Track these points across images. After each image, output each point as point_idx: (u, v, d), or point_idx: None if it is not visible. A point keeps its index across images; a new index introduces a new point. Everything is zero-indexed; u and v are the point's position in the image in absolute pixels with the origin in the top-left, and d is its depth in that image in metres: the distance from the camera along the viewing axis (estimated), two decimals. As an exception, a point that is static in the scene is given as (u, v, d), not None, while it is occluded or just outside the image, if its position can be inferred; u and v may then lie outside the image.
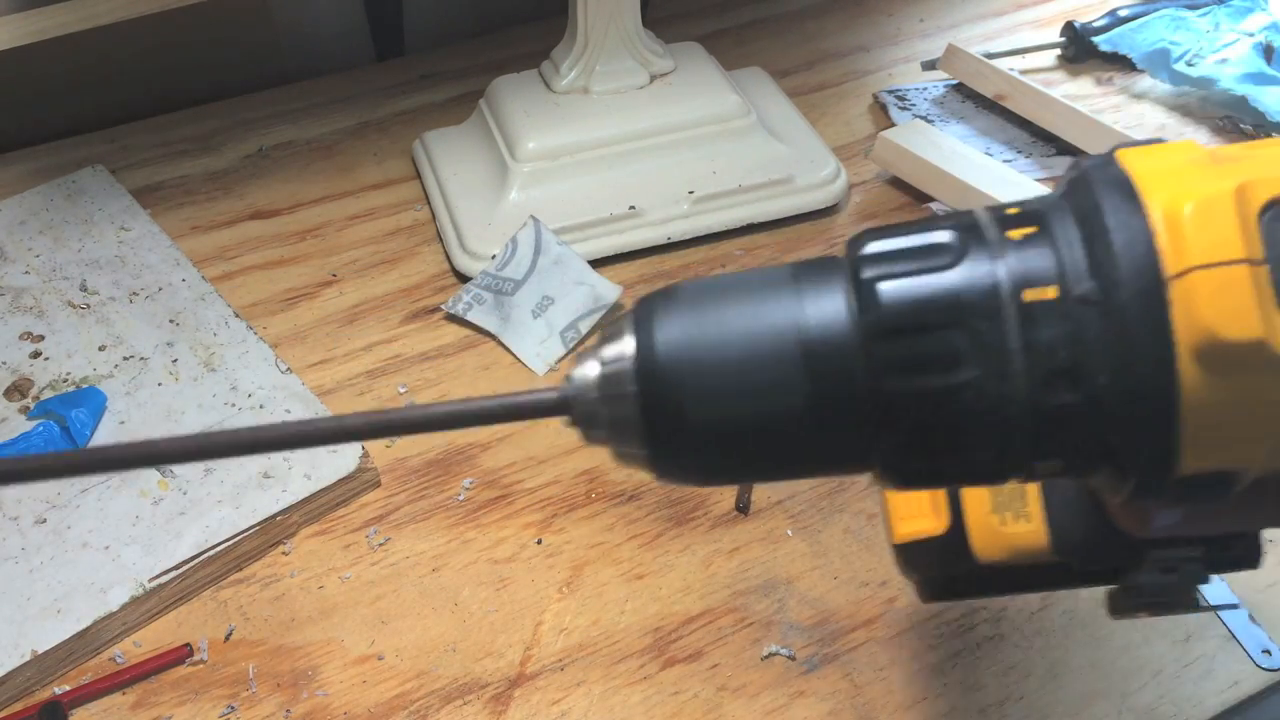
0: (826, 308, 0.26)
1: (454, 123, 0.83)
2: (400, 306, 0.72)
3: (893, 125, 0.86)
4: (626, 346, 0.27)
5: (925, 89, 0.90)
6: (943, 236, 0.26)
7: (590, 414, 0.27)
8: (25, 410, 0.63)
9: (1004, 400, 0.25)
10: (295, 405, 0.63)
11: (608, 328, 0.28)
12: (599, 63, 0.77)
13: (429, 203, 0.79)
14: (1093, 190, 0.25)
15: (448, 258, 0.75)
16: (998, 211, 0.27)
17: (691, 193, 0.76)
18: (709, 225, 0.76)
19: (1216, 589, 0.57)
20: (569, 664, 0.55)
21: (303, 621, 0.56)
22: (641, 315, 0.27)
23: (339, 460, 0.61)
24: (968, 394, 0.25)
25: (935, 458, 0.26)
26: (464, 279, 0.73)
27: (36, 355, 0.66)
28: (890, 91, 0.90)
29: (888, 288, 0.25)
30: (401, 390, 0.67)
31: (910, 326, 0.25)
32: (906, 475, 0.27)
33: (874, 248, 0.26)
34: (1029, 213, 0.27)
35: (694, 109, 0.77)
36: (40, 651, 0.52)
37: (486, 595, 0.57)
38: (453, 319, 0.71)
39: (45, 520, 0.58)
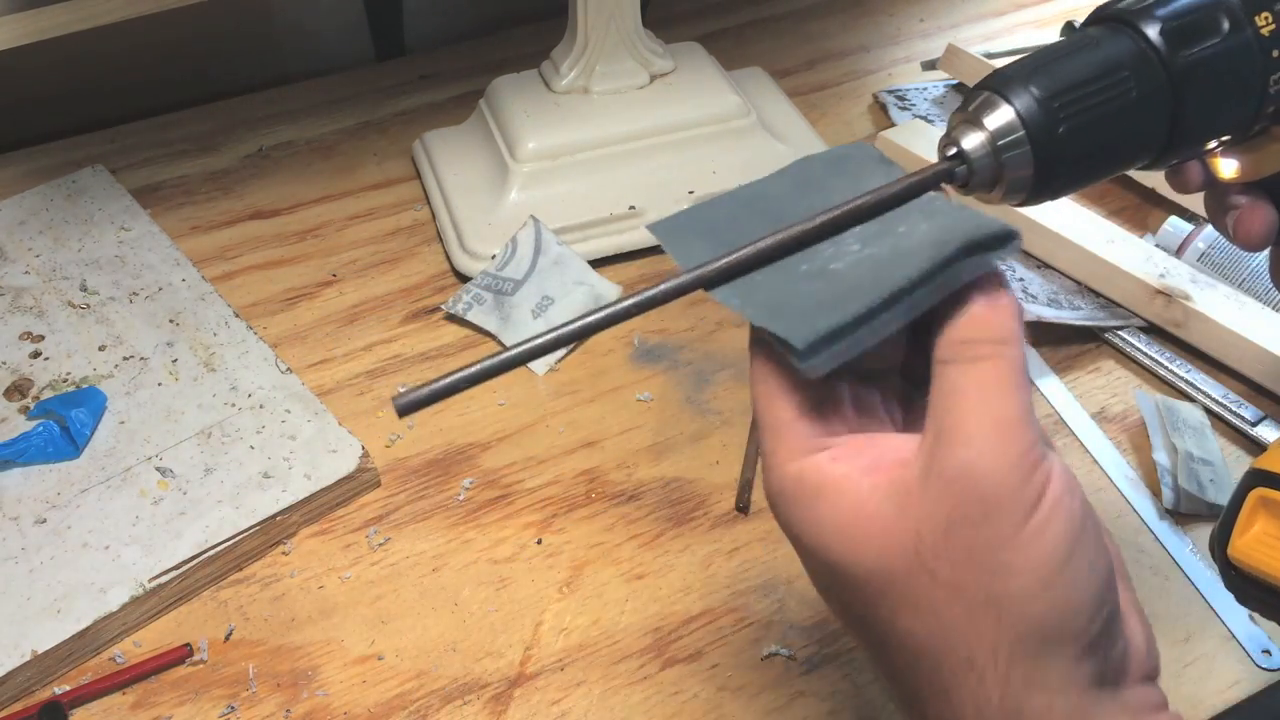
0: (1140, 61, 0.37)
1: (454, 123, 0.83)
2: (400, 306, 0.72)
3: (893, 125, 0.86)
4: (1006, 115, 0.36)
5: (925, 89, 0.90)
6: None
7: (985, 166, 0.36)
8: (25, 410, 0.63)
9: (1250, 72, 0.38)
10: (295, 405, 0.63)
11: (966, 111, 0.37)
12: (599, 63, 0.77)
13: (429, 203, 0.79)
14: None
15: (448, 258, 0.75)
16: None
17: (691, 193, 0.76)
18: (709, 225, 0.76)
19: (1212, 585, 0.57)
20: (569, 664, 0.55)
21: (303, 621, 0.56)
22: (998, 89, 0.36)
23: (339, 460, 0.61)
24: (1227, 56, 0.38)
25: (1211, 110, 0.38)
26: (464, 279, 0.73)
27: (36, 355, 0.66)
28: (890, 91, 0.90)
29: (1174, 41, 0.37)
30: (401, 390, 0.67)
31: (1191, 30, 0.37)
32: (1192, 134, 0.38)
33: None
34: None
35: (694, 109, 0.77)
36: (40, 651, 0.52)
37: (486, 595, 0.57)
38: (453, 319, 0.71)
39: (45, 520, 0.58)
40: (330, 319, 0.72)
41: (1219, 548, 0.50)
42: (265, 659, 0.54)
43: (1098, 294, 0.71)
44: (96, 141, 0.84)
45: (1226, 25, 0.38)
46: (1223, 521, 0.51)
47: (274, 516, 0.58)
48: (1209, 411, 0.65)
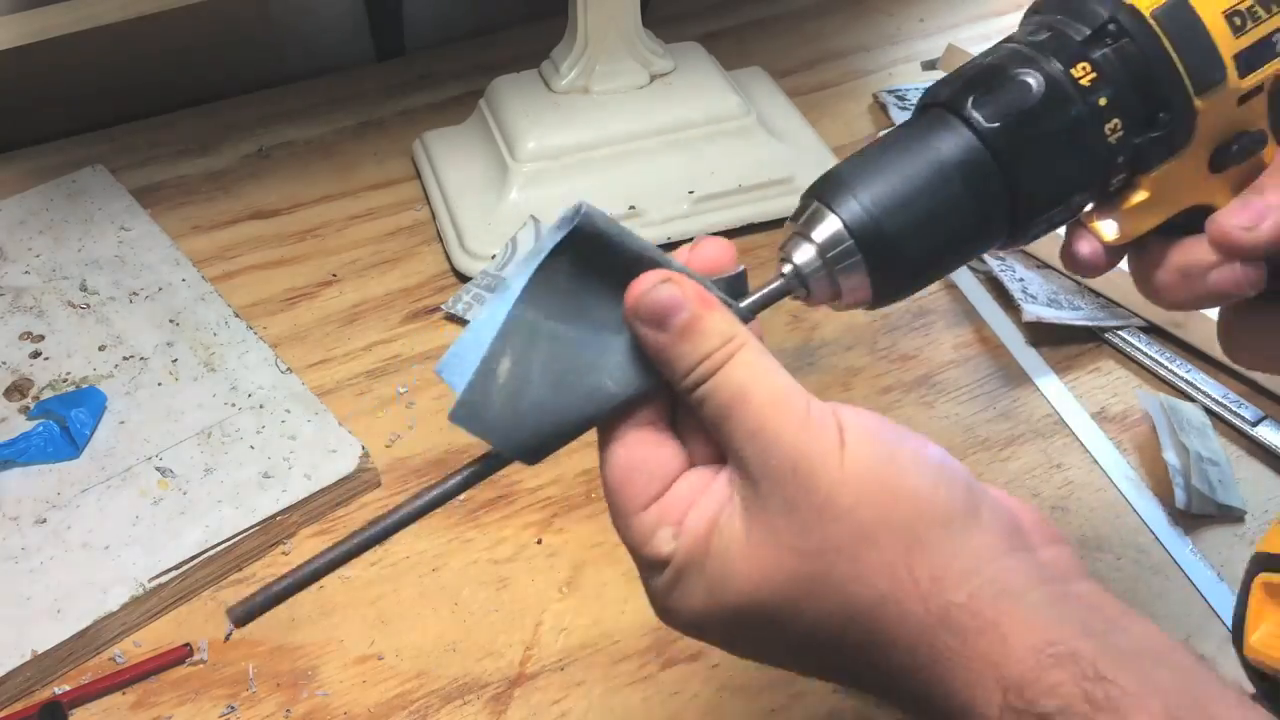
0: (958, 144, 0.36)
1: (454, 123, 0.83)
2: (400, 306, 0.72)
3: (893, 125, 0.86)
4: (833, 225, 0.35)
5: (925, 89, 0.90)
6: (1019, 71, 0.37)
7: (820, 280, 0.36)
8: (25, 410, 0.63)
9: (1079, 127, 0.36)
10: (295, 405, 0.63)
11: (796, 224, 0.36)
12: (599, 63, 0.77)
13: (429, 203, 0.79)
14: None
15: (448, 258, 0.75)
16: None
17: (691, 193, 0.76)
18: (709, 225, 0.76)
19: (1212, 585, 0.57)
20: (569, 664, 0.54)
21: (303, 621, 0.56)
22: (824, 200, 0.35)
23: (339, 460, 0.61)
24: (1049, 116, 0.36)
25: (1048, 174, 0.37)
26: (464, 279, 0.73)
27: (36, 355, 0.66)
28: (890, 91, 0.90)
29: (988, 114, 0.36)
30: (401, 390, 0.67)
31: (1003, 100, 0.36)
32: (1036, 204, 0.37)
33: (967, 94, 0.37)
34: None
35: (694, 109, 0.77)
36: (40, 651, 0.52)
37: (486, 595, 0.57)
38: (452, 319, 0.71)
39: (45, 520, 0.58)
40: (330, 319, 0.72)
41: (1237, 647, 0.50)
42: (265, 659, 0.54)
43: (1098, 294, 0.71)
44: (96, 141, 0.84)
45: (1037, 83, 0.36)
46: (1235, 616, 0.50)
47: (274, 516, 0.58)
48: (1209, 411, 0.65)
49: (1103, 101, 0.36)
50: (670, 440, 0.35)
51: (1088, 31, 0.37)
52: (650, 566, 0.34)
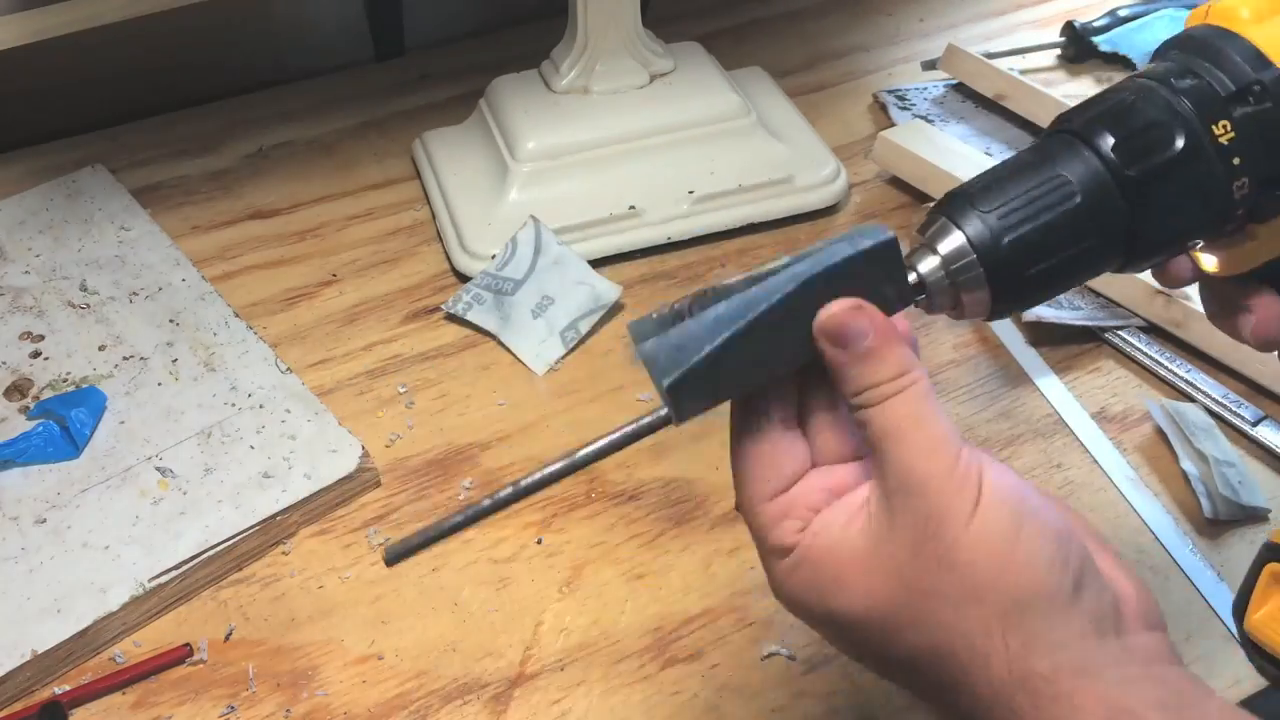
0: (1090, 178, 0.37)
1: (454, 123, 0.83)
2: (400, 306, 0.72)
3: (893, 125, 0.86)
4: (957, 240, 0.37)
5: (925, 89, 0.90)
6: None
7: (942, 291, 0.38)
8: (25, 410, 0.63)
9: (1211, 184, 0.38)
10: (295, 405, 0.63)
11: (922, 236, 0.38)
12: (599, 63, 0.77)
13: (429, 203, 0.79)
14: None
15: (448, 258, 0.75)
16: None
17: (691, 193, 0.76)
18: (709, 225, 0.76)
19: (1212, 585, 0.57)
20: (569, 664, 0.54)
21: (303, 621, 0.56)
22: (951, 215, 0.38)
23: (339, 460, 0.61)
24: (1183, 167, 0.38)
25: (1171, 220, 0.38)
26: (464, 279, 0.73)
27: (36, 355, 0.66)
28: (890, 91, 0.90)
29: (1127, 159, 0.37)
30: (401, 390, 0.67)
31: (1143, 145, 0.38)
32: (1153, 244, 0.39)
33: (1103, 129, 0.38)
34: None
35: (694, 109, 0.77)
36: (40, 651, 0.52)
37: (486, 595, 0.57)
38: (452, 319, 0.71)
39: (45, 520, 0.58)
40: (330, 319, 0.72)
41: (1238, 620, 0.54)
42: (265, 659, 0.54)
43: (1098, 294, 0.71)
44: (96, 141, 0.84)
45: (1181, 139, 0.38)
46: (1239, 593, 0.54)
47: (274, 516, 0.58)
48: (1209, 412, 0.65)
49: (1237, 161, 0.38)
50: (799, 438, 0.38)
51: (1232, 88, 0.38)
52: (773, 551, 0.37)
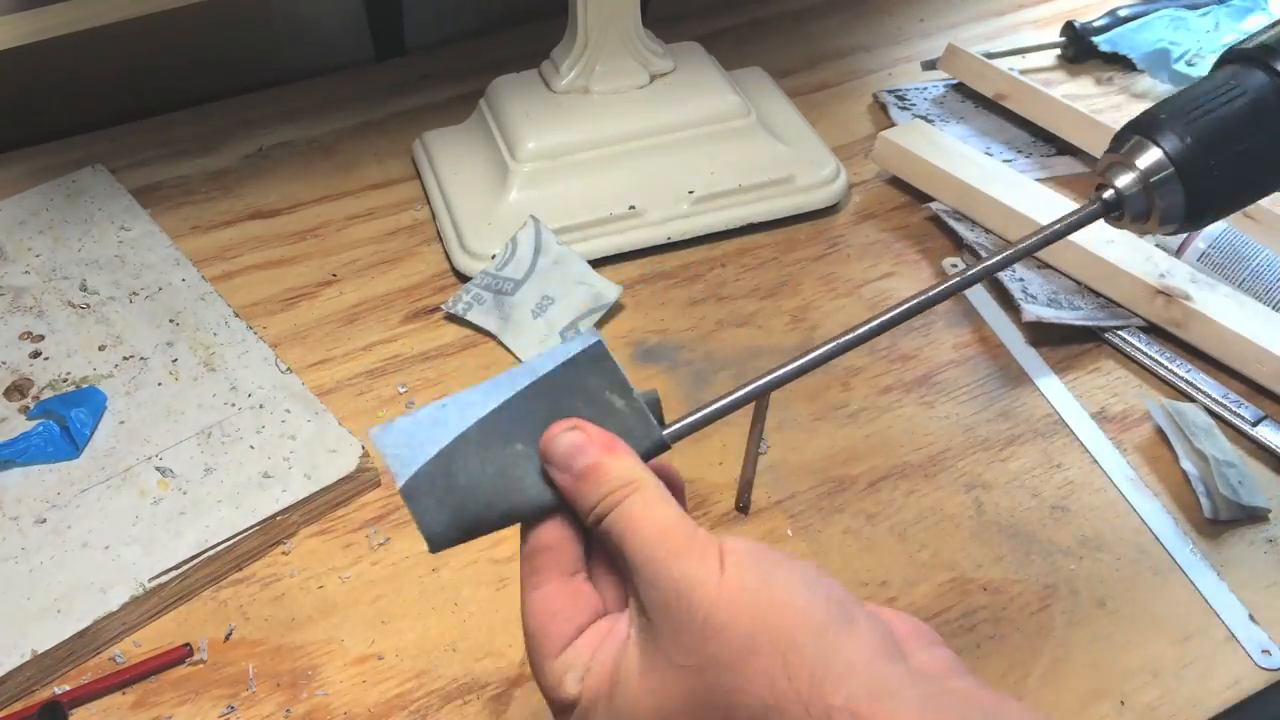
0: (1268, 90, 0.42)
1: (454, 123, 0.83)
2: (400, 306, 0.72)
3: (893, 125, 0.86)
4: (1154, 154, 0.42)
5: (925, 89, 0.90)
6: None
7: (1137, 201, 0.42)
8: (25, 410, 0.63)
9: None
10: (295, 405, 0.63)
11: (1117, 154, 0.43)
12: (599, 63, 0.77)
13: (429, 203, 0.79)
14: None
15: (448, 258, 0.75)
16: None
17: (691, 193, 0.76)
18: (709, 225, 0.76)
19: (1212, 585, 0.57)
20: (569, 664, 0.54)
21: (303, 621, 0.56)
22: (1145, 133, 0.42)
23: (339, 460, 0.61)
24: None
25: None
26: (464, 279, 0.73)
27: (36, 355, 0.66)
28: (890, 91, 0.90)
29: None
30: (401, 390, 0.67)
31: None
32: None
33: None
34: None
35: (694, 109, 0.77)
36: (40, 651, 0.52)
37: (486, 595, 0.57)
38: (452, 319, 0.71)
39: (45, 520, 0.58)
40: (330, 319, 0.72)
41: None
42: (265, 659, 0.54)
43: (1098, 294, 0.71)
44: (96, 141, 0.84)
45: None
46: None
47: (274, 516, 0.58)
48: (1209, 412, 0.65)
49: None
50: (585, 588, 0.37)
51: None
52: (562, 710, 0.36)
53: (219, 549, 0.57)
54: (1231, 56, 0.44)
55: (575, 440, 0.36)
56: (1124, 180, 0.43)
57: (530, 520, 0.37)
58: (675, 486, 0.39)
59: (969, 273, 0.42)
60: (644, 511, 0.35)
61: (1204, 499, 0.60)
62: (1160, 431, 0.65)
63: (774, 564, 0.34)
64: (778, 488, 0.62)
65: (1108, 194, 0.43)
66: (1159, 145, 0.42)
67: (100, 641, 0.54)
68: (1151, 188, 0.42)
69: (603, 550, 0.37)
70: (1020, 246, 0.43)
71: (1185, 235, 0.72)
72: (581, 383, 0.38)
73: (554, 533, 0.37)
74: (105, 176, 0.80)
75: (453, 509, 0.36)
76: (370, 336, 0.70)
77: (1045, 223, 0.72)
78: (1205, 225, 0.45)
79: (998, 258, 0.42)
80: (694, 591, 0.33)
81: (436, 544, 0.37)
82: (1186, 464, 0.62)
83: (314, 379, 0.67)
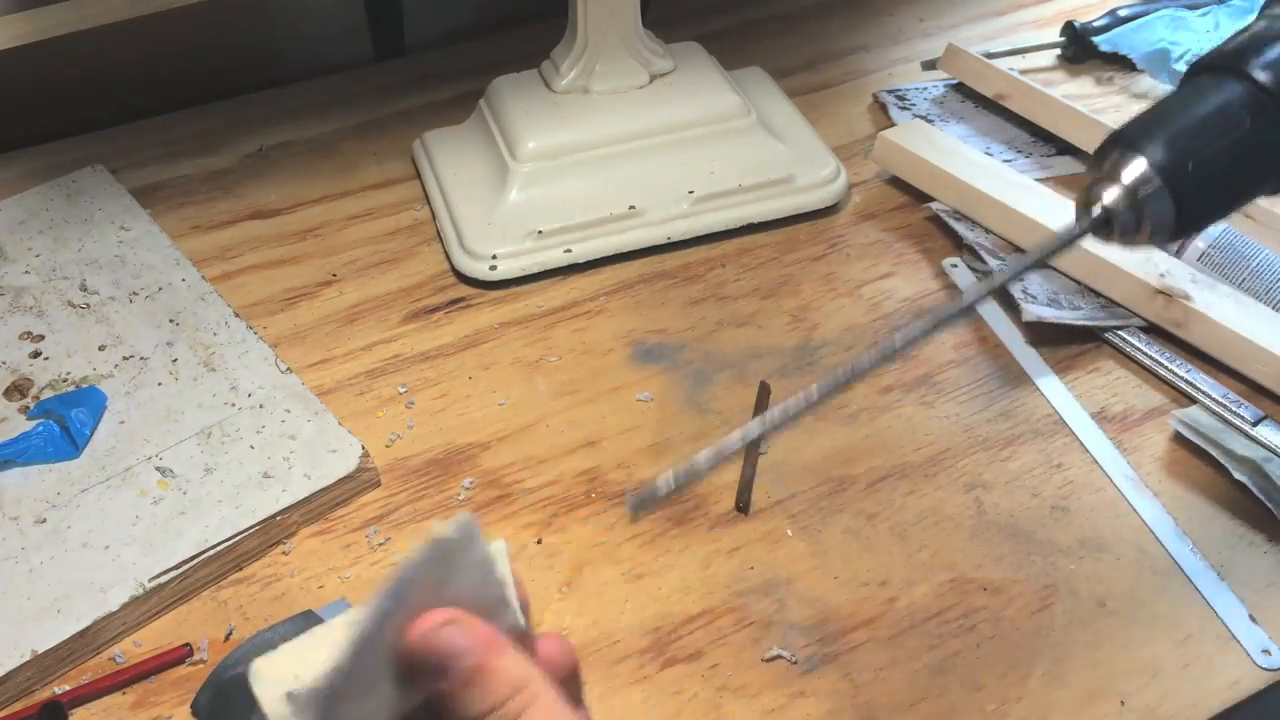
0: (1244, 97, 0.42)
1: (454, 123, 0.83)
2: (400, 306, 0.72)
3: (893, 125, 0.86)
4: (1140, 167, 0.41)
5: (925, 89, 0.90)
6: None
7: (1126, 217, 0.42)
8: (25, 410, 0.63)
9: None
10: (295, 405, 0.63)
11: (1101, 169, 0.42)
12: (599, 63, 0.77)
13: (429, 203, 0.79)
14: None
15: (448, 258, 0.75)
16: None
17: (691, 193, 0.76)
18: (709, 225, 0.76)
19: (1213, 585, 0.57)
20: (569, 664, 0.54)
21: (303, 621, 0.56)
22: (1128, 146, 0.42)
23: (339, 460, 0.61)
24: None
25: None
26: (464, 279, 0.73)
27: (36, 355, 0.66)
28: (890, 91, 0.90)
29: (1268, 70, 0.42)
30: (401, 390, 0.67)
31: None
32: None
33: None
34: None
35: (694, 109, 0.77)
36: (40, 651, 0.52)
37: (486, 595, 0.57)
38: (451, 318, 0.71)
39: (45, 520, 0.58)
40: (330, 319, 0.72)
41: None
42: (265, 659, 0.54)
43: (1098, 294, 0.71)
44: (96, 141, 0.84)
45: None
46: None
47: (274, 516, 0.58)
48: (1210, 411, 0.65)
49: None
50: None
51: None
52: None
53: (219, 549, 0.57)
54: (1204, 65, 0.44)
55: (453, 636, 0.30)
56: (1111, 196, 0.42)
57: None
58: (569, 669, 0.34)
59: (943, 315, 0.41)
60: None
61: (1274, 506, 0.59)
62: (1160, 432, 0.65)
63: None
64: (778, 488, 0.62)
65: (1096, 211, 0.42)
66: (1143, 157, 0.41)
67: (100, 641, 0.54)
68: (1140, 201, 0.41)
69: None
70: (995, 280, 0.42)
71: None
72: (452, 576, 0.32)
73: None
74: (105, 176, 0.80)
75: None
76: (370, 336, 0.70)
77: (1041, 227, 0.72)
78: (1193, 234, 0.45)
79: (962, 304, 0.42)
80: None
81: None
82: (1239, 475, 0.60)
83: (314, 379, 0.67)
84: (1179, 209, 0.41)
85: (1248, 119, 0.41)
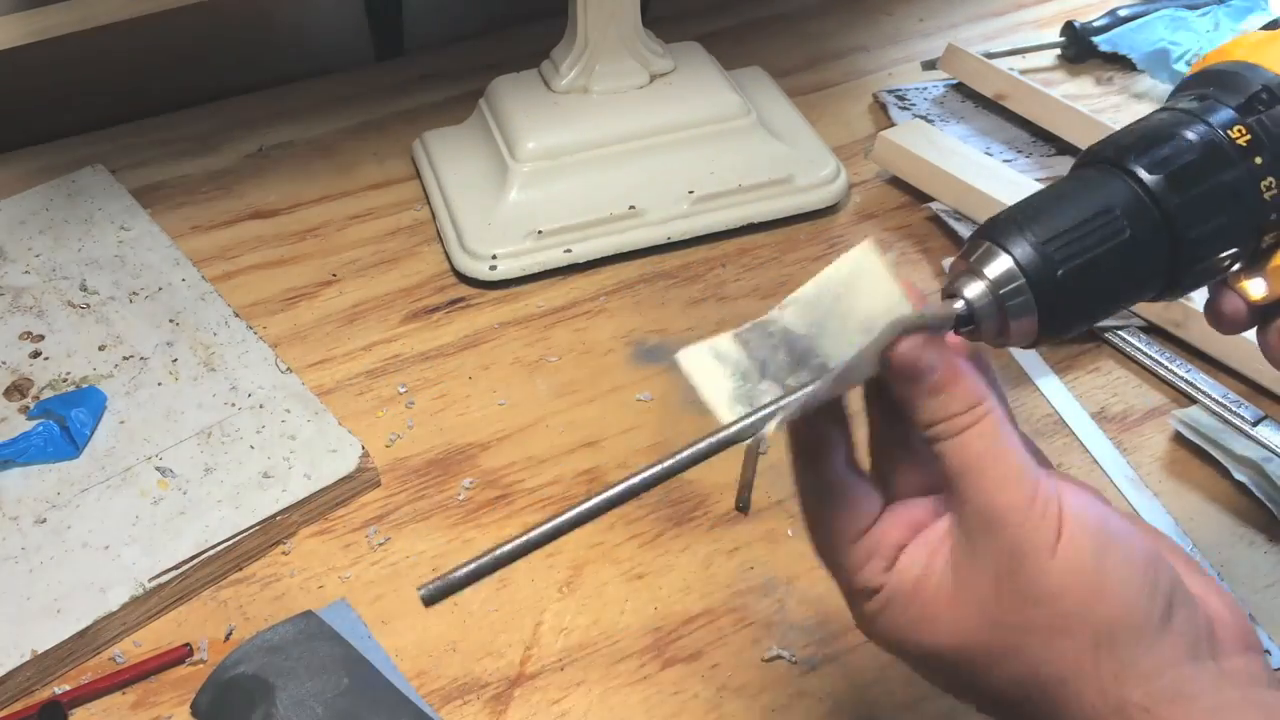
0: (1124, 195, 0.39)
1: (454, 123, 0.83)
2: (400, 306, 0.72)
3: (893, 125, 0.86)
4: (1004, 264, 0.38)
5: (925, 89, 0.90)
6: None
7: (989, 316, 0.38)
8: (25, 410, 0.63)
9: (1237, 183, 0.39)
10: (295, 405, 0.63)
11: (964, 264, 0.38)
12: (599, 63, 0.77)
13: (429, 203, 0.79)
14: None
15: (448, 258, 0.75)
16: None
17: (691, 193, 0.76)
18: (709, 225, 0.76)
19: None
20: (569, 664, 0.54)
21: (303, 621, 0.56)
22: (995, 239, 0.38)
23: (339, 460, 0.61)
24: (1220, 191, 0.39)
25: (1209, 240, 0.39)
26: (464, 279, 0.73)
27: (36, 355, 0.66)
28: (890, 91, 0.90)
29: (1151, 168, 0.39)
30: (401, 390, 0.67)
31: (1182, 174, 0.39)
32: (1193, 260, 0.39)
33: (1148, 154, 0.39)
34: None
35: (694, 109, 0.77)
36: (40, 651, 0.52)
37: (486, 595, 0.57)
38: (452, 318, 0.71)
39: (45, 520, 0.58)
40: (330, 319, 0.72)
41: None
42: (265, 659, 0.54)
43: (1098, 294, 0.71)
44: (96, 141, 0.84)
45: (1199, 140, 0.39)
46: None
47: (274, 516, 0.58)
48: (1210, 411, 0.65)
49: (1258, 161, 0.39)
50: (865, 480, 0.38)
51: (1241, 100, 0.40)
52: (860, 593, 0.37)
53: (219, 549, 0.57)
54: (1093, 155, 0.41)
55: (927, 354, 0.35)
56: (973, 290, 0.38)
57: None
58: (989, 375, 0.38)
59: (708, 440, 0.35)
60: (989, 449, 0.35)
61: (1274, 506, 0.59)
62: (1161, 432, 0.65)
63: (1112, 541, 0.34)
64: (778, 487, 0.62)
65: (958, 305, 0.38)
66: (1008, 252, 0.38)
67: (100, 641, 0.54)
68: (1002, 299, 0.38)
69: (895, 436, 0.38)
70: (808, 390, 0.35)
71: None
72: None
73: (831, 424, 0.37)
74: (105, 176, 0.80)
75: None
76: (370, 336, 0.70)
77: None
78: (1062, 338, 0.41)
79: (791, 401, 0.36)
80: (1027, 556, 0.33)
81: None
82: (1240, 475, 0.61)
83: (314, 379, 0.67)
84: (1042, 314, 0.38)
85: (1127, 227, 0.38)
